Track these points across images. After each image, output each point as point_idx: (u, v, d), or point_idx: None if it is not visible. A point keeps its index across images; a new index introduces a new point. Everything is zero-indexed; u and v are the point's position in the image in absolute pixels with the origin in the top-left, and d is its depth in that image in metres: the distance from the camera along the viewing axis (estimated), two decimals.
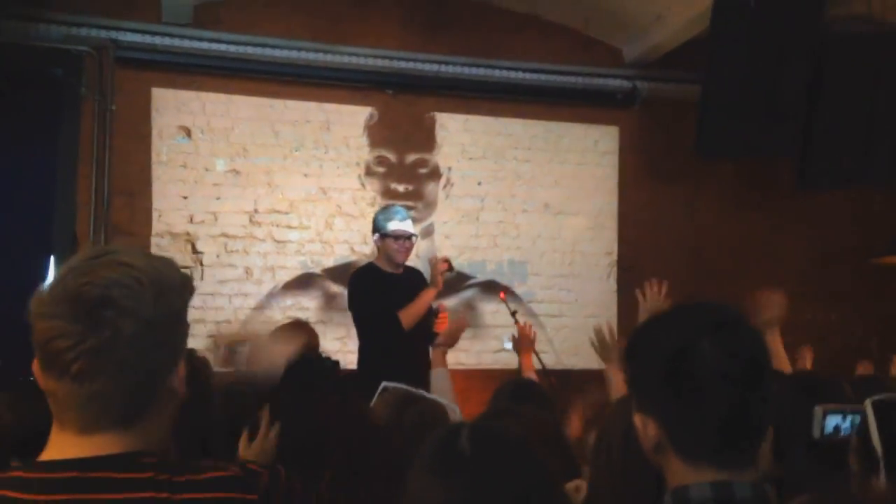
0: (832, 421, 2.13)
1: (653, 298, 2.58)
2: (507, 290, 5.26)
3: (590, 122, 5.73)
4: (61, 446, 1.05)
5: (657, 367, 1.15)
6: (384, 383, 2.24)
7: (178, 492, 1.02)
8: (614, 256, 5.72)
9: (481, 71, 5.43)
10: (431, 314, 3.78)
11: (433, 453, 1.14)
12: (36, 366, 1.05)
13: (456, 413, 2.03)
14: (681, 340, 1.14)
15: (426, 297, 3.77)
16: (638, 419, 1.17)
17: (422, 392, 2.18)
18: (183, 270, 1.13)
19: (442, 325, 3.63)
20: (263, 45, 5.02)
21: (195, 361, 1.68)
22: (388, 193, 5.33)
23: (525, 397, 2.47)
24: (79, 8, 4.78)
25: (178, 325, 1.10)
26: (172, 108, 5.01)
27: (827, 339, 5.22)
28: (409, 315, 3.69)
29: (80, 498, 1.01)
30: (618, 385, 2.57)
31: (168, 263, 1.11)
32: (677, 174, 5.72)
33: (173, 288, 1.08)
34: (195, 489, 1.04)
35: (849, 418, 2.10)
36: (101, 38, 4.76)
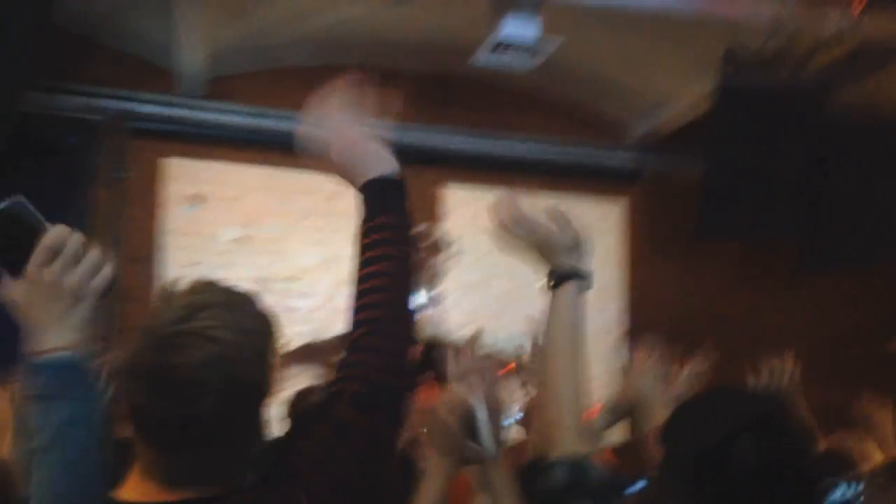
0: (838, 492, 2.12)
1: (641, 371, 2.39)
2: (516, 362, 5.21)
3: (595, 197, 5.79)
4: (142, 491, 1.06)
5: (690, 459, 1.10)
6: None
7: None
8: (619, 332, 5.69)
9: (488, 144, 5.53)
10: None
11: None
12: (128, 425, 1.08)
13: None
14: (718, 434, 1.08)
15: None
16: None
17: None
18: (263, 315, 1.15)
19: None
20: (275, 117, 5.13)
21: None
22: None
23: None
24: (97, 79, 4.91)
25: (263, 382, 1.12)
26: (184, 176, 5.08)
27: (834, 423, 5.13)
28: None
29: None
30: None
31: (255, 321, 1.12)
32: (683, 251, 5.73)
33: (260, 354, 1.10)
34: None
35: (853, 487, 2.08)
36: (117, 109, 4.88)
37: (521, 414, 3.42)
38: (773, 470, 1.06)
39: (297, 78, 5.33)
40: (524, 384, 3.78)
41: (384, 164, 1.38)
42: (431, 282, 5.44)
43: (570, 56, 4.97)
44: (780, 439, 1.08)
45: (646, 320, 5.65)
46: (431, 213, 5.50)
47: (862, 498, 1.87)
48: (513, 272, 5.57)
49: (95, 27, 4.81)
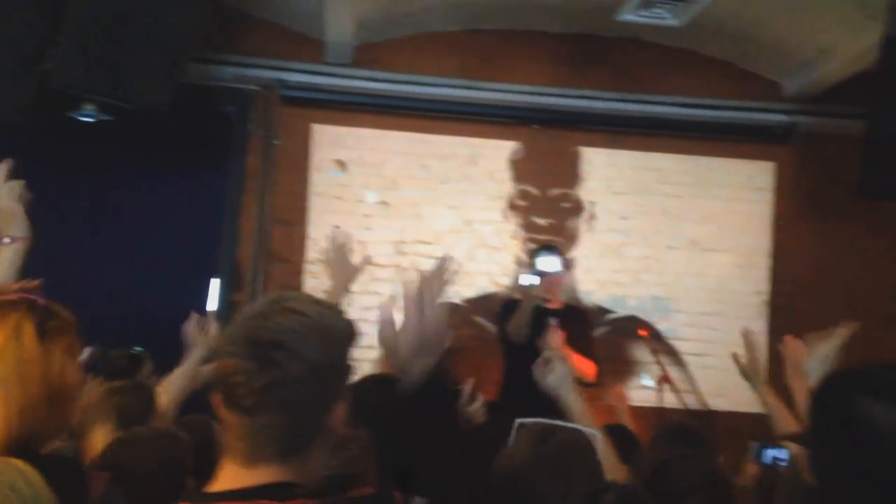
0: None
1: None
2: (648, 327, 5.18)
3: (744, 158, 5.55)
4: (227, 477, 1.15)
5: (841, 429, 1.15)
6: (518, 420, 2.21)
7: None
8: (764, 296, 5.47)
9: (631, 106, 5.39)
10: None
11: None
12: (217, 398, 1.16)
13: (596, 437, 1.99)
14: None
15: None
16: None
17: (559, 422, 2.13)
18: (348, 318, 1.22)
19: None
20: (416, 83, 5.23)
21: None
22: (529, 227, 5.37)
23: (685, 444, 2.41)
24: (250, 50, 5.18)
25: (341, 370, 1.19)
26: (330, 142, 5.30)
27: None
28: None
29: None
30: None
31: (335, 312, 1.21)
32: (840, 213, 5.41)
33: (339, 335, 1.18)
34: None
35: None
36: (269, 79, 5.14)
37: (654, 381, 3.39)
38: None
39: (440, 43, 5.42)
40: (655, 352, 3.74)
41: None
42: (566, 245, 5.43)
43: (719, 11, 4.76)
44: None
45: (797, 284, 5.40)
46: (571, 176, 5.46)
47: None
48: (648, 238, 5.46)
49: (249, 1, 5.07)
